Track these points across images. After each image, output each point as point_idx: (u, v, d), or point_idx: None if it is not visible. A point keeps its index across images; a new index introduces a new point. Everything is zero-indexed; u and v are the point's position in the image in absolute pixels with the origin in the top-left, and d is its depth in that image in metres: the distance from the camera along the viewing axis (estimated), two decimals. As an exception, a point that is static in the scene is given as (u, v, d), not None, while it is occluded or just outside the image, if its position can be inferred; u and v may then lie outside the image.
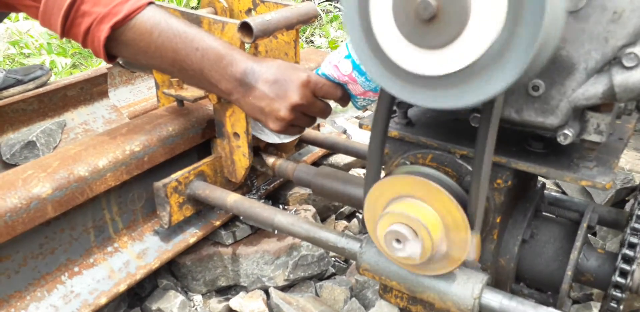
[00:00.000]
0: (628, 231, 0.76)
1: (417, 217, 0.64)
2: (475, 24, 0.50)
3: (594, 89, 0.59)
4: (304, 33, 3.20)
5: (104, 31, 0.85)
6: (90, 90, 1.56)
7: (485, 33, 0.49)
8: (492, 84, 0.50)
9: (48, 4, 0.85)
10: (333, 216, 1.44)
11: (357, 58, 0.60)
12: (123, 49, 0.90)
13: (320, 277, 1.25)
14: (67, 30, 0.88)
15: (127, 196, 1.07)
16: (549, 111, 0.62)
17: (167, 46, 0.87)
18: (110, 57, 0.92)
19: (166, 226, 1.07)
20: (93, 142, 1.01)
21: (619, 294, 0.73)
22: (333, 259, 1.29)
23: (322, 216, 1.40)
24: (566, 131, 0.63)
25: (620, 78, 0.57)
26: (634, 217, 0.75)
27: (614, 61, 0.57)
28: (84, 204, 0.97)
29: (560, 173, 0.67)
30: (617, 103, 0.62)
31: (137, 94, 1.80)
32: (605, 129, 0.63)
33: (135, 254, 1.06)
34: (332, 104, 0.95)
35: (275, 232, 1.20)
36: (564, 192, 1.45)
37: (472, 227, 0.65)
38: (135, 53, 0.90)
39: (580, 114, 0.64)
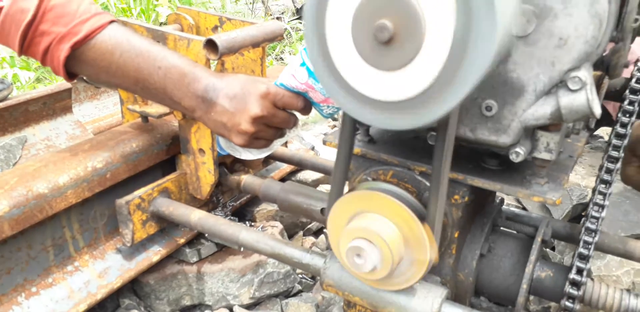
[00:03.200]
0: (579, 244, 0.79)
1: (375, 230, 0.66)
2: (429, 47, 0.52)
3: (543, 109, 0.62)
4: (274, 50, 3.23)
5: (63, 51, 0.84)
6: (53, 106, 1.53)
7: (438, 55, 0.52)
8: (443, 104, 0.52)
9: (5, 21, 0.84)
10: (301, 232, 1.44)
11: (318, 78, 0.62)
12: (84, 68, 0.89)
13: (287, 294, 1.25)
14: (25, 48, 0.86)
15: (88, 213, 1.05)
16: (502, 130, 0.65)
17: (129, 65, 0.87)
18: (70, 75, 0.91)
19: (129, 244, 1.05)
20: (53, 159, 0.99)
21: (571, 305, 0.76)
22: (300, 275, 1.29)
23: (290, 232, 1.40)
24: (518, 149, 0.66)
25: (566, 100, 0.60)
26: (583, 231, 0.78)
27: (561, 84, 0.61)
28: (42, 221, 0.95)
29: (514, 189, 0.70)
30: (565, 123, 0.66)
31: (103, 109, 1.78)
32: (554, 147, 0.67)
33: (97, 273, 1.04)
34: (305, 117, 0.94)
35: (241, 249, 1.20)
36: (524, 208, 1.49)
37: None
38: (97, 72, 0.89)
39: (531, 133, 0.67)
